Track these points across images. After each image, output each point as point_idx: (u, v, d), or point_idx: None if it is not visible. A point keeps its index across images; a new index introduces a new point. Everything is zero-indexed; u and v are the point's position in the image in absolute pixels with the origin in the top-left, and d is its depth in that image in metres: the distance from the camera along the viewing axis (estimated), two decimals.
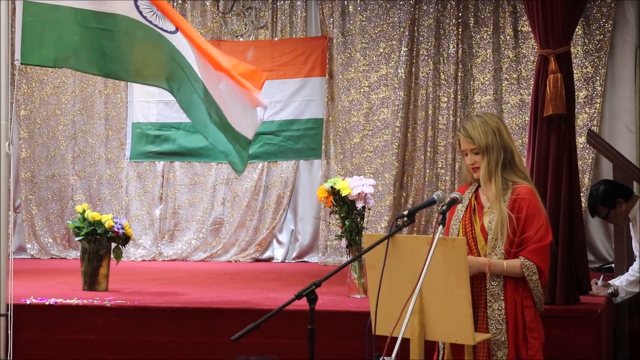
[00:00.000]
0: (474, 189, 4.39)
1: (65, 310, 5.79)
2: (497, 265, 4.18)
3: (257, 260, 9.46)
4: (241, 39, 9.79)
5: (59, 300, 5.85)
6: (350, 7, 9.48)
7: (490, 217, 4.24)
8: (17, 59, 5.55)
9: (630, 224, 6.28)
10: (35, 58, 5.68)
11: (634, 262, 6.04)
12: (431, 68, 9.24)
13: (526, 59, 8.98)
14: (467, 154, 4.34)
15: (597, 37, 8.77)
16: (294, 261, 9.48)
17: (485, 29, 9.11)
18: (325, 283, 3.77)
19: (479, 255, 4.23)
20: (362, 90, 9.42)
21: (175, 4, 9.85)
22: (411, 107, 9.31)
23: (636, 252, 6.17)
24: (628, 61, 8.75)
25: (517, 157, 4.36)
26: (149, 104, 9.82)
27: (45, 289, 6.45)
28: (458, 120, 9.08)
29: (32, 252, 9.72)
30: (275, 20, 9.72)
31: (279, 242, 9.61)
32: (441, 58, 9.25)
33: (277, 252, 9.57)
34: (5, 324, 5.59)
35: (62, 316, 5.78)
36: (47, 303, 5.82)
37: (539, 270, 4.19)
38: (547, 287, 5.28)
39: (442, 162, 9.20)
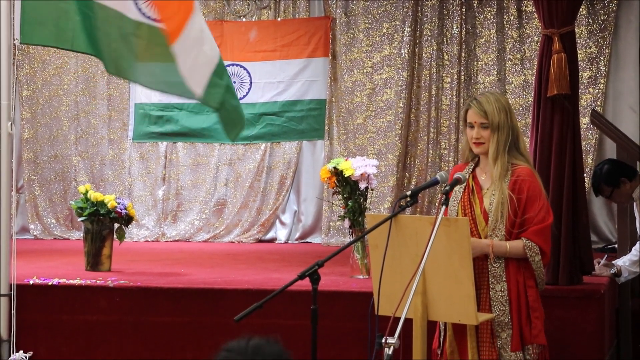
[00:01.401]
0: (471, 169, 4.37)
1: (68, 290, 5.79)
2: (500, 246, 4.18)
3: (260, 241, 9.47)
4: (244, 20, 9.75)
5: (62, 281, 5.86)
6: None
7: (490, 199, 4.23)
8: (16, 39, 5.53)
9: (634, 203, 6.27)
10: (35, 37, 5.64)
11: (637, 242, 6.03)
12: (434, 48, 9.21)
13: (530, 39, 8.94)
14: (473, 127, 4.30)
15: (602, 17, 8.73)
16: (296, 242, 9.48)
17: (489, 9, 9.07)
18: (328, 263, 3.77)
19: (480, 237, 4.23)
20: (365, 70, 9.39)
21: None
22: (414, 87, 9.28)
23: (639, 232, 6.18)
24: (632, 41, 8.71)
25: (522, 140, 4.35)
26: None
27: (48, 270, 6.45)
28: (461, 100, 9.05)
29: (35, 233, 9.73)
30: (278, 0, 9.68)
31: (282, 223, 9.61)
32: (445, 38, 9.21)
33: (280, 233, 9.58)
34: (8, 304, 5.60)
35: (65, 296, 5.79)
36: (50, 283, 5.83)
37: (542, 251, 4.19)
38: (550, 268, 5.28)
39: (445, 142, 9.18)
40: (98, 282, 5.83)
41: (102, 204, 6.43)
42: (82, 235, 6.71)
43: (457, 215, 4.26)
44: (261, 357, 2.04)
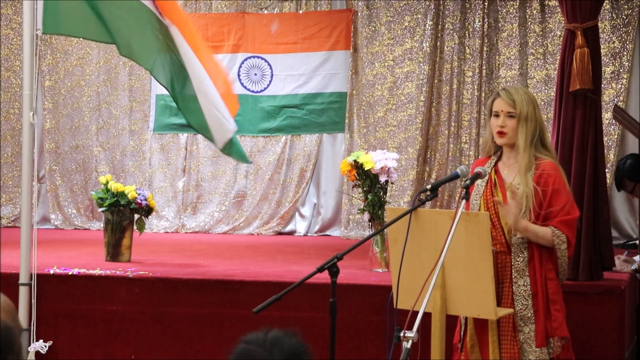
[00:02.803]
0: (493, 163, 4.35)
1: (88, 280, 5.82)
2: (533, 230, 4.13)
3: (279, 233, 9.47)
4: (265, 12, 9.75)
5: (82, 271, 5.88)
6: None
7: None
8: (38, 29, 5.55)
9: None
10: (57, 27, 5.67)
11: None
12: (456, 42, 9.17)
13: (552, 34, 8.89)
14: (498, 116, 4.27)
15: (625, 12, 8.66)
16: (316, 234, 9.48)
17: (511, 2, 9.03)
18: (347, 257, 3.77)
19: (503, 231, 4.21)
20: (386, 64, 9.37)
21: None
22: (435, 81, 9.25)
23: None
24: None
25: (547, 135, 4.33)
26: None
27: (69, 259, 6.48)
28: (483, 95, 9.02)
29: (56, 223, 9.77)
30: None
31: (302, 216, 9.61)
32: (466, 32, 9.17)
33: (300, 226, 9.58)
34: (28, 294, 5.63)
35: (85, 286, 5.81)
36: (70, 273, 5.85)
37: (568, 241, 4.16)
38: (570, 263, 5.24)
39: (466, 136, 9.15)
40: (118, 272, 5.85)
41: (122, 194, 6.45)
42: (102, 225, 6.73)
43: (479, 210, 4.25)
44: (279, 350, 2.04)
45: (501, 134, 4.26)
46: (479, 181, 4.28)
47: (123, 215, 6.47)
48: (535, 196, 4.17)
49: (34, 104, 5.61)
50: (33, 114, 5.59)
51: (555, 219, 4.16)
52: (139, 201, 6.46)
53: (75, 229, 9.69)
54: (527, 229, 4.13)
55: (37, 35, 5.62)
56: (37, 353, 5.69)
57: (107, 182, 6.52)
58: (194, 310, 5.67)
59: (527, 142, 4.22)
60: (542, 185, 4.18)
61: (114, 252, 6.47)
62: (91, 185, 9.72)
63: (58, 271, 5.87)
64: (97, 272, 5.86)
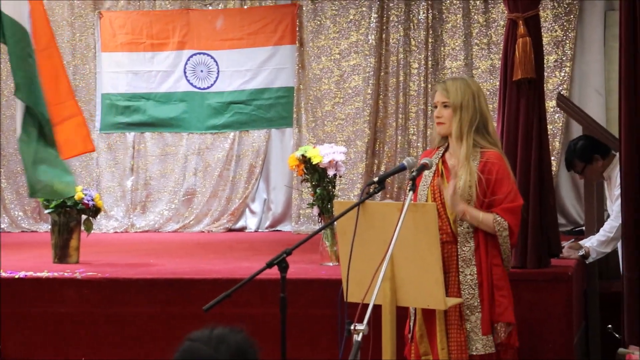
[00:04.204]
0: (440, 154, 4.39)
1: (36, 283, 5.75)
2: (474, 214, 4.18)
3: (230, 230, 9.44)
4: (210, 8, 9.70)
5: (29, 274, 5.81)
6: None
7: (459, 183, 4.24)
8: None
9: (605, 182, 6.31)
10: None
11: (605, 223, 6.07)
12: (401, 34, 9.21)
13: (496, 24, 8.96)
14: (437, 107, 4.34)
15: (567, 1, 8.76)
16: (267, 230, 9.47)
17: None
18: (298, 251, 3.76)
19: (449, 221, 4.24)
20: (332, 57, 9.38)
21: None
22: (382, 73, 9.28)
23: (609, 211, 6.21)
24: (597, 24, 8.75)
25: (491, 125, 4.37)
26: (118, 74, 9.74)
27: (16, 262, 6.39)
28: (429, 86, 9.07)
29: (2, 226, 9.64)
30: None
31: (252, 212, 9.59)
32: (411, 24, 9.21)
33: (250, 222, 9.56)
34: None
35: (33, 289, 5.74)
36: (17, 276, 5.78)
37: (510, 229, 4.21)
38: (517, 251, 5.30)
39: (413, 128, 9.19)
40: (66, 274, 5.79)
41: None
42: (49, 227, 6.66)
43: (426, 200, 4.27)
44: (225, 346, 2.04)
45: (438, 123, 4.33)
46: (426, 172, 4.31)
47: (70, 217, 6.40)
48: (479, 184, 4.21)
49: None
50: None
51: (499, 207, 4.20)
52: (86, 202, 6.40)
53: (23, 231, 9.57)
54: (466, 212, 4.18)
55: None
56: None
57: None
58: (144, 309, 5.63)
59: (463, 130, 4.27)
60: (486, 174, 4.22)
61: (62, 254, 6.40)
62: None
63: (5, 275, 5.79)
64: (44, 274, 5.79)
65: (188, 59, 9.64)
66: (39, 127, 5.56)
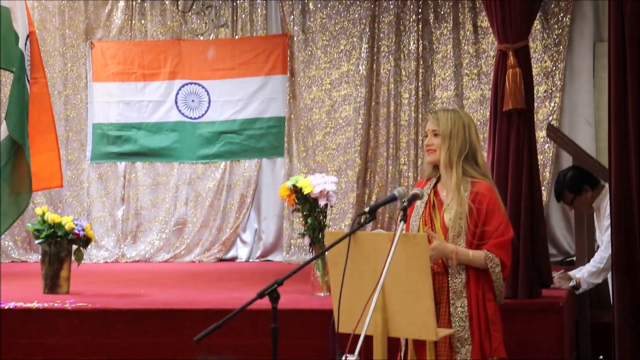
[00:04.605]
0: (432, 185, 4.40)
1: (26, 313, 5.72)
2: (464, 254, 4.19)
3: (221, 260, 9.42)
4: (201, 38, 9.74)
5: (19, 304, 5.78)
6: (311, 4, 9.47)
7: (450, 214, 4.25)
8: None
9: (594, 213, 6.32)
10: None
11: (596, 254, 6.08)
12: (392, 64, 9.25)
13: (486, 54, 9.01)
14: (427, 135, 4.37)
15: (556, 32, 8.82)
16: (258, 260, 9.45)
17: (445, 24, 9.14)
18: (289, 281, 3.75)
19: None
20: (323, 87, 9.41)
21: (134, 3, 9.78)
22: (373, 103, 9.31)
23: (599, 242, 6.21)
24: (586, 55, 8.81)
25: (481, 156, 4.38)
26: (110, 104, 9.75)
27: (5, 293, 6.35)
28: (420, 116, 9.10)
29: None
30: (235, 18, 9.68)
31: (243, 242, 9.57)
32: (402, 54, 9.26)
33: (241, 252, 9.54)
34: None
35: (23, 320, 5.71)
36: (6, 307, 5.75)
37: (502, 264, 4.22)
38: (509, 281, 5.30)
39: (404, 158, 9.21)
40: (56, 304, 5.76)
41: (59, 225, 6.37)
42: (39, 257, 6.64)
43: (418, 230, 4.28)
44: None
45: (429, 151, 4.37)
46: (418, 202, 4.32)
47: (60, 247, 6.39)
48: (470, 215, 4.22)
49: None
50: None
51: (489, 242, 4.21)
52: (77, 232, 6.38)
53: (13, 261, 9.52)
54: (457, 253, 4.19)
55: None
56: None
57: (44, 214, 6.43)
58: (135, 340, 5.60)
59: (452, 158, 4.29)
60: (477, 204, 4.23)
61: (52, 284, 6.38)
62: (28, 216, 9.55)
63: None
64: (34, 305, 5.76)
65: (179, 89, 9.67)
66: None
